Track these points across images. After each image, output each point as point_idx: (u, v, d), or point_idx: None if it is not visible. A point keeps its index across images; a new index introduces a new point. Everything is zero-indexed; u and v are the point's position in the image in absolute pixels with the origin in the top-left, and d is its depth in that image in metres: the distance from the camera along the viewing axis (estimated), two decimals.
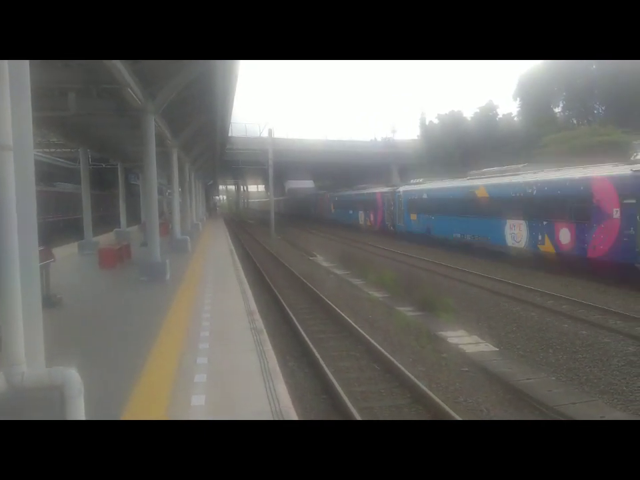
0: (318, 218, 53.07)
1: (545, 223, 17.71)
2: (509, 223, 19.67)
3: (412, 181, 32.08)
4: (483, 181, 22.32)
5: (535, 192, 18.26)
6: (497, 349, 9.42)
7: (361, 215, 39.57)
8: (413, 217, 29.32)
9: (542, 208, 17.72)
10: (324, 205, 52.06)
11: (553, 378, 8.00)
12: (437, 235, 25.98)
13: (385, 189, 35.05)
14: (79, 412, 3.65)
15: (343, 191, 47.06)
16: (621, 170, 15.07)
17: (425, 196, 28.00)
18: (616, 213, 14.62)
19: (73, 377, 3.64)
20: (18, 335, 3.70)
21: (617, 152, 20.86)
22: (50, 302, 8.82)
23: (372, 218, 37.07)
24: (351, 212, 42.34)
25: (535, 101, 40.87)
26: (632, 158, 16.27)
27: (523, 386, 7.50)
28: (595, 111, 43.46)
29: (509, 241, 19.77)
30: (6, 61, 3.69)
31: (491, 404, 7.01)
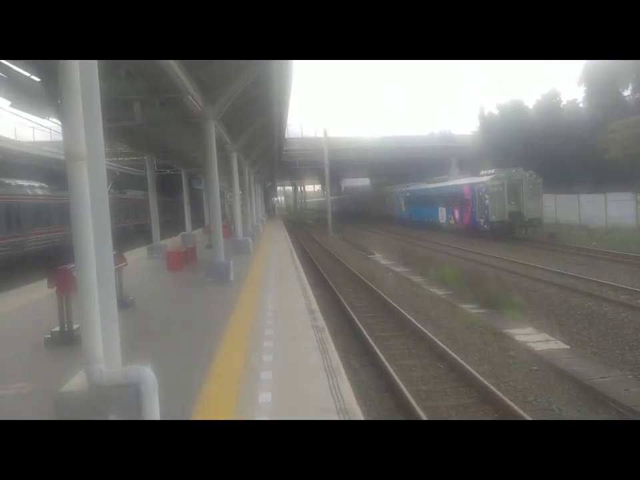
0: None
1: None
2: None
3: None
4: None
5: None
6: (568, 347, 9.04)
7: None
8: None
9: None
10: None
11: (630, 376, 7.58)
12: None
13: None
14: (153, 408, 3.82)
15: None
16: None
17: None
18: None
19: (147, 374, 3.81)
20: (96, 335, 3.92)
21: None
22: (123, 303, 9.26)
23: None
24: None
25: (601, 86, 38.53)
26: None
27: (597, 384, 7.16)
28: None
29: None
30: (78, 78, 3.92)
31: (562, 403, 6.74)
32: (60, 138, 23.70)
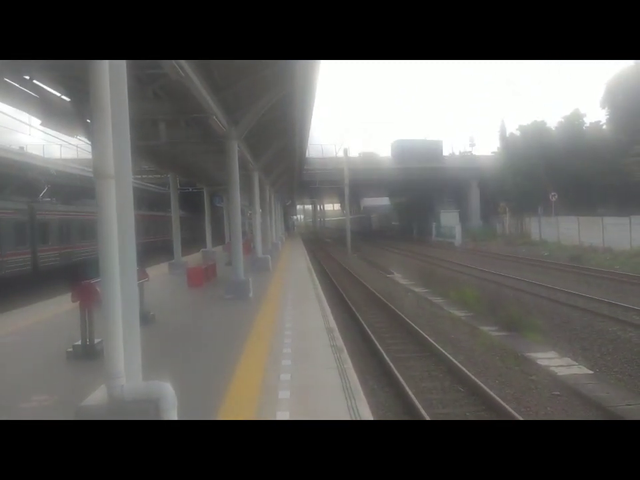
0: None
1: None
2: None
3: None
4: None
5: None
6: (592, 372, 8.84)
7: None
8: None
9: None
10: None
11: None
12: None
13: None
14: None
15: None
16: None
17: None
18: None
19: (167, 390, 3.84)
20: (118, 349, 3.97)
21: None
22: (144, 319, 9.32)
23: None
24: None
25: (624, 107, 37.96)
26: None
27: (622, 412, 6.97)
28: None
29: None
30: (108, 98, 4.05)
31: None
32: (86, 155, 24.28)
